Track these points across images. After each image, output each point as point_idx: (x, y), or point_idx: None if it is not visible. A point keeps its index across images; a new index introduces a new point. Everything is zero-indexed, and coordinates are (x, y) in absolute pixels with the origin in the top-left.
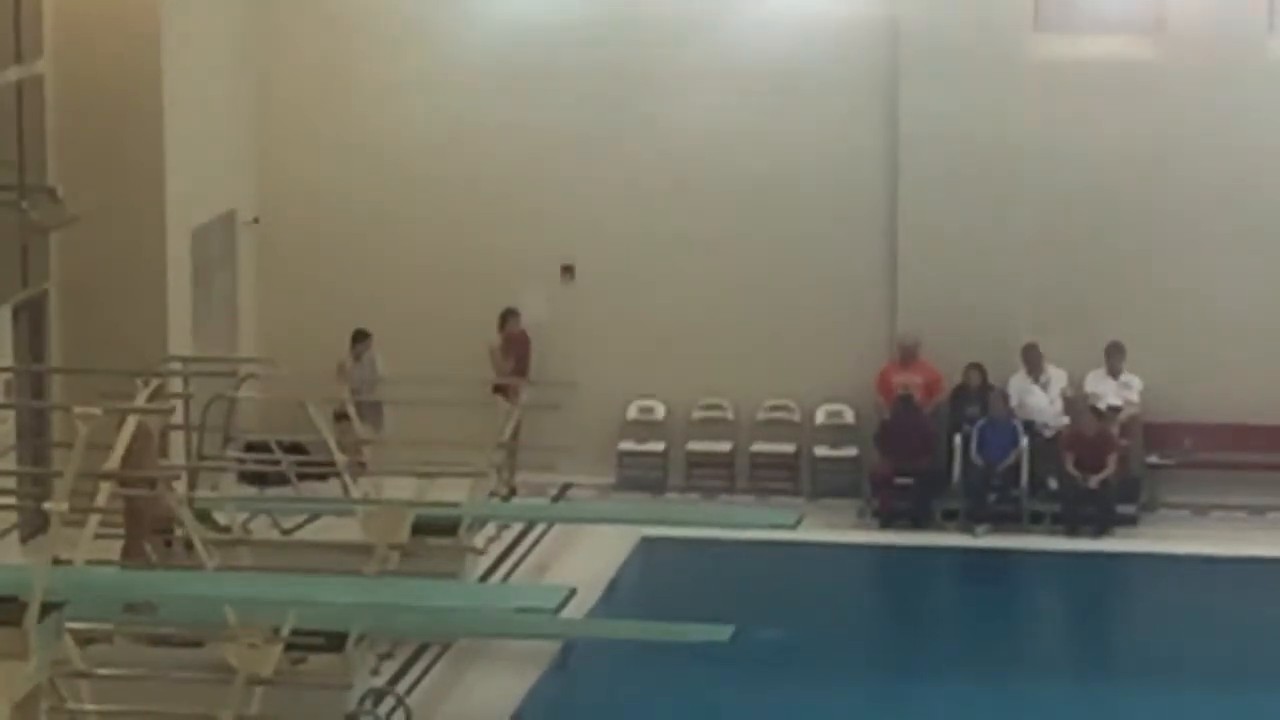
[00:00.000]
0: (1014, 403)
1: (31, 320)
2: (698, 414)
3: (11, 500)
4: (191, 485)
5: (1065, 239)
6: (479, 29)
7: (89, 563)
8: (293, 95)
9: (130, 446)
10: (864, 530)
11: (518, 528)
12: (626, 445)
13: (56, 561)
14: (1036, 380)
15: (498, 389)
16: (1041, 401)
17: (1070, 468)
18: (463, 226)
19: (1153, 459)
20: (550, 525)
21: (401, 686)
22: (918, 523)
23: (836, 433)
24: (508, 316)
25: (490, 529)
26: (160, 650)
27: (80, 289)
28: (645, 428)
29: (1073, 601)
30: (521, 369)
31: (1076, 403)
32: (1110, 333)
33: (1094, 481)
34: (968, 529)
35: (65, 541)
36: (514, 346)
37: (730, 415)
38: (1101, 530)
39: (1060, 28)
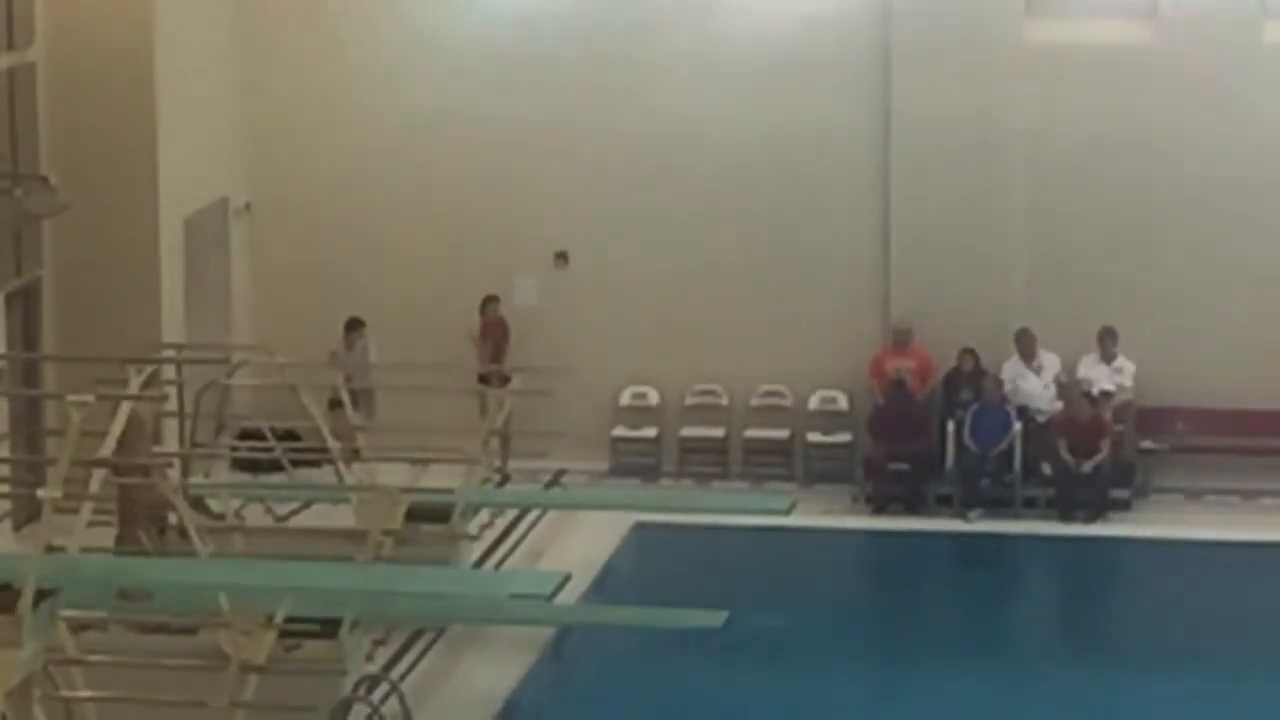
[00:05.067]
0: (1007, 388)
1: (24, 308)
2: (691, 400)
3: (5, 488)
4: (185, 472)
5: (1058, 224)
6: (471, 16)
7: (83, 550)
8: (284, 83)
9: (124, 434)
10: (857, 516)
11: (511, 514)
12: (620, 431)
13: (50, 549)
14: (1030, 365)
15: (482, 377)
16: (1035, 386)
17: (1063, 453)
18: (456, 213)
19: (1146, 444)
20: (544, 511)
21: (395, 673)
22: (911, 508)
23: (830, 418)
24: (488, 303)
25: (484, 515)
26: (154, 637)
27: (73, 276)
28: (639, 413)
29: (1066, 586)
30: (499, 356)
31: (1070, 388)
32: (1103, 318)
33: (1087, 466)
34: (961, 514)
35: (59, 529)
36: (492, 333)
37: (724, 401)
38: (1095, 515)
39: (1053, 12)
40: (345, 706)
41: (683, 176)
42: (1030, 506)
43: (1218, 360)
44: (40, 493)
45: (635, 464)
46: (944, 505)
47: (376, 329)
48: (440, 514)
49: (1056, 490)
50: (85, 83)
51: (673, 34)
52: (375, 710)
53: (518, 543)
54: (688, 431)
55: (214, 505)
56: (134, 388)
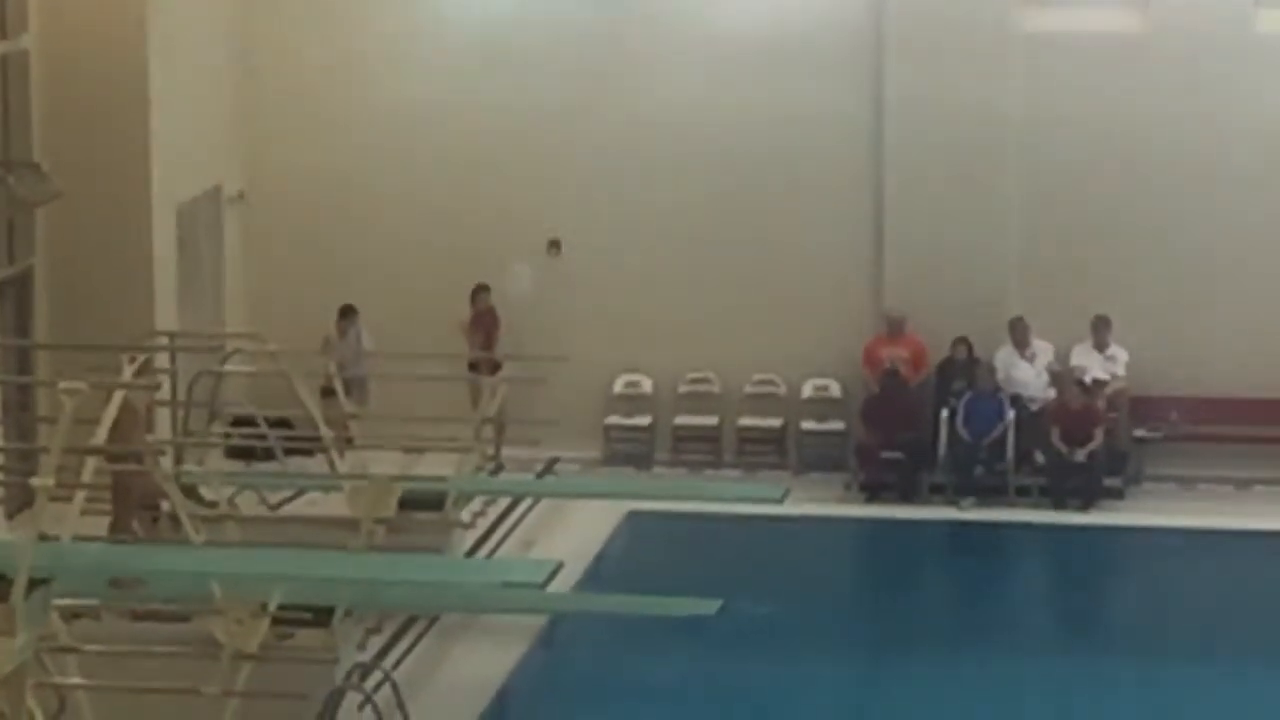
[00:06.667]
0: (1000, 376)
1: (17, 296)
2: (684, 388)
3: None
4: (178, 460)
5: (1052, 212)
6: (464, 5)
7: (75, 538)
8: (278, 71)
9: (116, 422)
10: (850, 504)
11: (504, 502)
12: (613, 419)
13: (43, 537)
14: (1023, 354)
15: (472, 366)
16: (1028, 375)
17: (1056, 441)
18: (449, 201)
19: (1139, 432)
20: (537, 500)
21: (388, 661)
22: (904, 496)
23: (823, 407)
24: (478, 292)
25: (476, 504)
26: (147, 625)
27: (66, 264)
28: (632, 402)
29: (1059, 575)
30: (490, 345)
31: (1063, 376)
32: (1096, 306)
33: (1080, 455)
34: (954, 502)
35: (51, 517)
36: (482, 323)
37: (717, 389)
38: (1088, 503)
39: (1046, 1)
40: (338, 695)
41: (676, 164)
42: (1023, 495)
43: (1211, 349)
44: (33, 481)
45: (628, 452)
46: (937, 494)
47: (370, 317)
48: (433, 502)
49: (1049, 479)
50: (78, 70)
51: (666, 22)
52: (368, 698)
53: (510, 531)
54: (681, 420)
55: (207, 493)
56: (127, 375)
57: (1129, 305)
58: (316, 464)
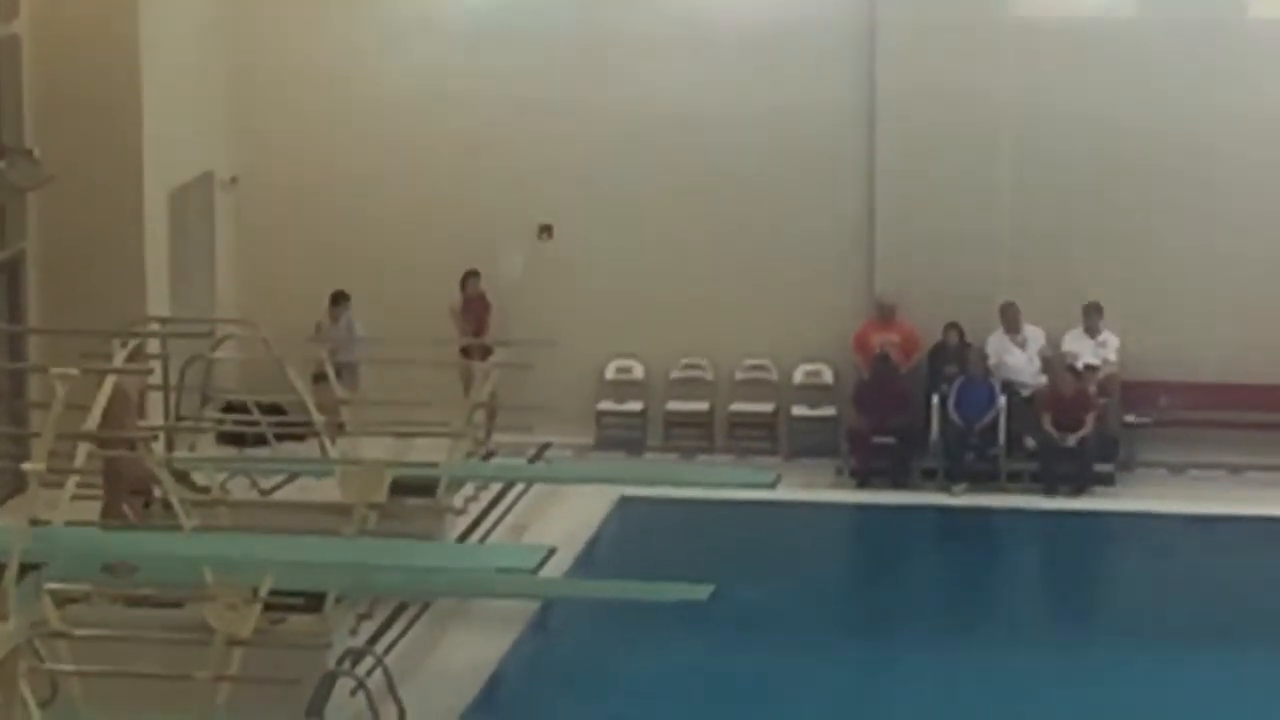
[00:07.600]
0: (992, 362)
1: (9, 281)
2: (676, 374)
3: None
4: (170, 446)
5: (1043, 198)
6: None
7: (67, 523)
8: (270, 57)
9: (108, 407)
10: (842, 489)
11: (496, 488)
12: (605, 405)
13: (35, 522)
14: (1014, 339)
15: (464, 351)
16: (1019, 360)
17: (1048, 427)
18: (441, 186)
19: (1130, 418)
20: (529, 485)
21: (380, 646)
22: (896, 482)
23: (815, 392)
24: (468, 278)
25: (469, 489)
26: (139, 611)
27: (58, 250)
28: (624, 387)
29: (1050, 560)
30: (481, 331)
31: (1054, 362)
32: (1088, 292)
33: (1071, 440)
34: (945, 488)
35: (44, 502)
36: (473, 309)
37: (709, 375)
38: (1079, 489)
39: None
40: (330, 680)
41: (668, 150)
42: (1014, 480)
43: (1202, 334)
44: (25, 466)
45: (620, 438)
46: (928, 479)
47: (361, 303)
48: (425, 488)
49: (1041, 464)
50: (70, 56)
51: (660, 8)
52: (360, 684)
53: (502, 517)
54: (673, 405)
55: (199, 479)
56: (119, 361)
57: (1121, 291)
58: (308, 449)
